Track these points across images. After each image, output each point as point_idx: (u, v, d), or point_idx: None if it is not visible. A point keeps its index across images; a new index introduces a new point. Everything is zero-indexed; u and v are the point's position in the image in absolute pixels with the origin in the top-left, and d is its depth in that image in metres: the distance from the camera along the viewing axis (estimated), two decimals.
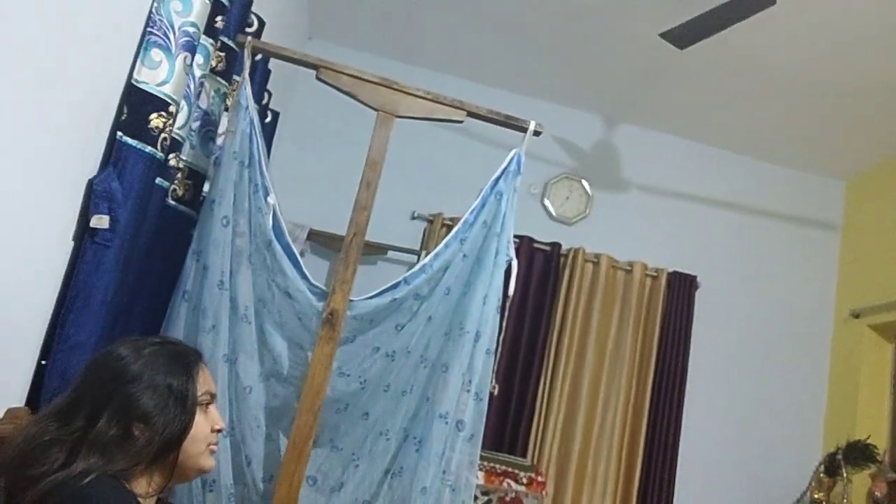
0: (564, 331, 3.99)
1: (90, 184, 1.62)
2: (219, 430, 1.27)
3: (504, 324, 2.28)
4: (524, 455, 3.85)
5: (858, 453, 3.88)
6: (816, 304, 4.40)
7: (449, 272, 2.22)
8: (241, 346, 2.11)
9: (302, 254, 3.71)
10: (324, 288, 2.14)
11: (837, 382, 4.28)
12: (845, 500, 3.90)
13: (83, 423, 1.12)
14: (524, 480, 3.52)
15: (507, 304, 2.25)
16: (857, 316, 4.16)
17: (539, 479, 3.59)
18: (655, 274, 4.16)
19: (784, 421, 4.22)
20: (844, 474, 3.89)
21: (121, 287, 1.71)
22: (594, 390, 3.99)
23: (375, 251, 3.88)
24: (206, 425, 1.24)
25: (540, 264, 4.12)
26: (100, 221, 1.61)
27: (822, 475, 4.04)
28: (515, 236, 2.34)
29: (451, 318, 2.20)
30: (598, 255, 4.13)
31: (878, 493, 3.91)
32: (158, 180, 1.87)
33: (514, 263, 2.29)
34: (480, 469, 3.36)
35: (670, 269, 4.17)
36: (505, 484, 3.49)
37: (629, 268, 4.16)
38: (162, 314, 2.06)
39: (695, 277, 4.18)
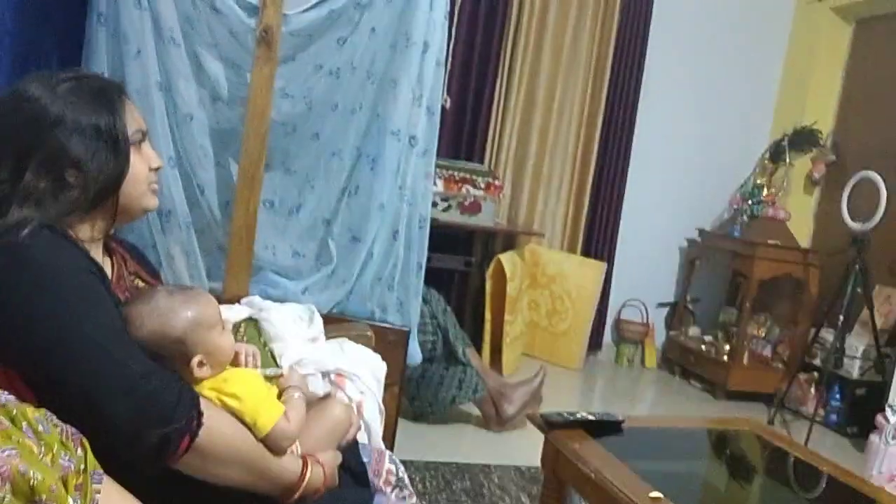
0: (520, 34, 3.81)
1: None
2: (156, 169, 1.21)
3: (454, 30, 2.14)
4: (481, 161, 3.91)
5: (803, 138, 4.01)
6: None
7: None
8: (174, 72, 1.97)
9: None
10: (253, 2, 1.95)
11: (791, 69, 4.27)
12: (785, 183, 4.12)
13: (8, 175, 1.05)
14: (482, 185, 3.61)
15: (457, 9, 2.09)
16: None
17: (496, 182, 3.69)
18: None
19: (735, 112, 4.28)
20: (787, 159, 4.06)
21: (21, 12, 1.53)
22: (550, 93, 3.94)
23: None
24: (142, 165, 1.17)
25: None
26: None
27: (766, 161, 4.21)
28: None
29: (396, 28, 2.05)
30: None
31: (816, 174, 4.13)
32: None
33: None
34: (439, 177, 3.42)
35: None
36: (463, 190, 3.59)
37: None
38: (79, 44, 1.87)
39: None
